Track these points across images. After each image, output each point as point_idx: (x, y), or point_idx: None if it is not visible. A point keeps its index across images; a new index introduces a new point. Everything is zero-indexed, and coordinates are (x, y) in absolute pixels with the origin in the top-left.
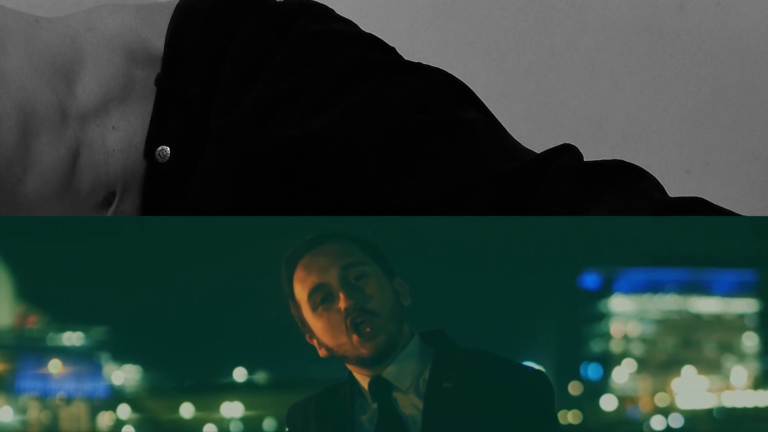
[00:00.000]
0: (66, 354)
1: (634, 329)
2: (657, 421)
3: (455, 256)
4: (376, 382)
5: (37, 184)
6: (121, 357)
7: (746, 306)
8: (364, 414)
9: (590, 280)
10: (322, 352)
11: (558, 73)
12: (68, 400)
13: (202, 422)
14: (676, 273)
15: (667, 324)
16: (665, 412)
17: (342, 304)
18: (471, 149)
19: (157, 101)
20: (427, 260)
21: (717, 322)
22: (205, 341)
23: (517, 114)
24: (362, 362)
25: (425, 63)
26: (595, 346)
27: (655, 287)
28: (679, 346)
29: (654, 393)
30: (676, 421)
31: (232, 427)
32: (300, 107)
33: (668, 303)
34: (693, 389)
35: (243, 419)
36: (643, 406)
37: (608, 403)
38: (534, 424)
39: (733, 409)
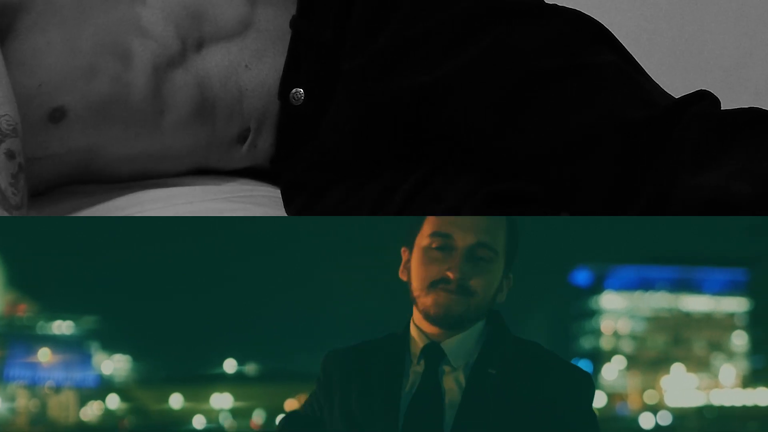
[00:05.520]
0: (56, 343)
1: (625, 326)
2: (646, 419)
3: None
4: (432, 348)
5: (173, 127)
6: (111, 346)
7: (736, 305)
8: (408, 376)
9: (581, 276)
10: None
11: (701, 15)
12: (57, 388)
13: (192, 413)
14: (667, 271)
15: (658, 321)
16: (654, 409)
17: (451, 274)
18: (599, 95)
19: (292, 43)
20: None
21: (707, 320)
22: (196, 332)
23: (658, 58)
24: (427, 317)
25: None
26: (585, 343)
27: (646, 285)
28: (669, 343)
29: (643, 390)
30: (665, 418)
31: (222, 418)
32: (427, 54)
33: (659, 300)
34: (682, 387)
35: (232, 410)
36: (632, 403)
37: (597, 399)
38: (572, 423)
39: (722, 407)
